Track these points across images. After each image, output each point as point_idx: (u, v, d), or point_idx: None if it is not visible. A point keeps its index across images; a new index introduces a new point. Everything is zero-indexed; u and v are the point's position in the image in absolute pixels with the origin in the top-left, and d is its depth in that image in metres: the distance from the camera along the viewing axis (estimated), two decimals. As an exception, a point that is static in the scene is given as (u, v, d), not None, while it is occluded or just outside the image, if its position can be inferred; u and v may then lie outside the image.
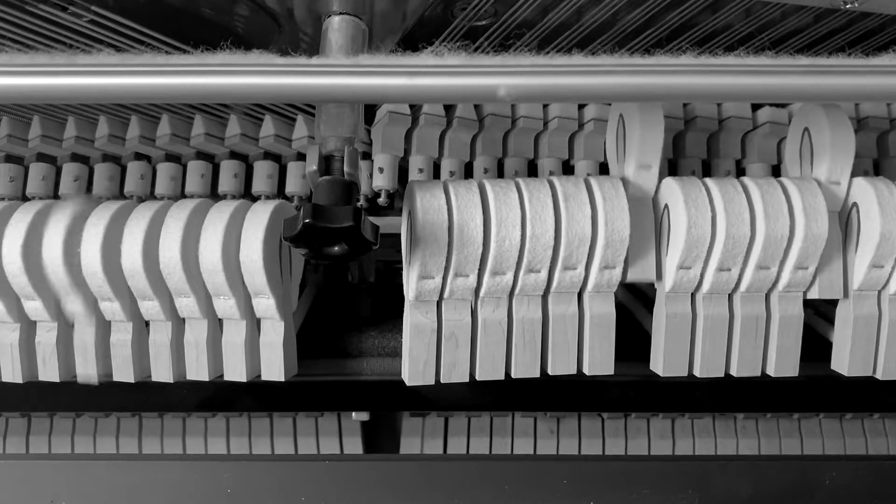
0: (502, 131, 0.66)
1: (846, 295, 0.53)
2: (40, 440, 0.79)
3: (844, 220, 0.53)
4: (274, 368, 0.53)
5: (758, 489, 0.55)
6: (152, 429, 0.79)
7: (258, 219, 0.50)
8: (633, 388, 0.61)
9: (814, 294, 0.53)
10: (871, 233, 0.51)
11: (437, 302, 0.52)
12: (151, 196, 0.67)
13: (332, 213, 0.43)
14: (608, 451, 0.79)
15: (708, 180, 0.52)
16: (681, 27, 0.60)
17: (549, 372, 0.53)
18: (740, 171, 0.68)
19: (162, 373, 0.54)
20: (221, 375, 0.54)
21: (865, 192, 0.51)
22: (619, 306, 0.54)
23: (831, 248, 0.52)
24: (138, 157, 0.68)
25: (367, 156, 0.65)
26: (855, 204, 0.53)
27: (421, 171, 0.65)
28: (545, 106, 0.66)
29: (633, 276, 0.53)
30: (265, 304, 0.52)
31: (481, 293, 0.51)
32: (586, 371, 0.53)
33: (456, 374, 0.52)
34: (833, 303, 0.55)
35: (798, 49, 0.62)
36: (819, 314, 0.61)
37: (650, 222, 0.53)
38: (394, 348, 0.61)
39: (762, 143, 0.66)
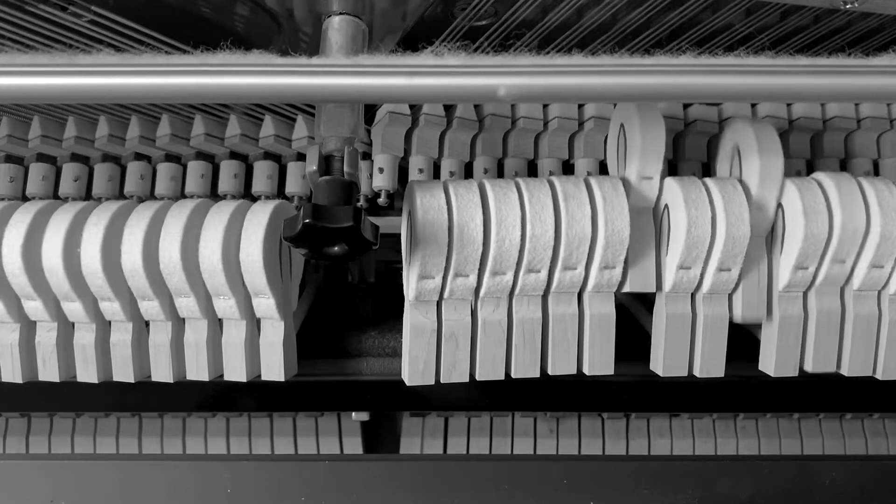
0: (502, 131, 0.66)
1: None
2: (40, 440, 0.79)
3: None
4: (274, 368, 0.54)
5: (758, 489, 0.55)
6: (152, 429, 0.79)
7: (258, 219, 0.50)
8: (633, 388, 0.61)
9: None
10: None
11: (437, 302, 0.52)
12: (151, 196, 0.67)
13: (332, 213, 0.43)
14: (608, 451, 0.79)
15: (708, 180, 0.52)
16: (681, 27, 0.60)
17: (549, 372, 0.53)
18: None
19: (162, 373, 0.53)
20: (221, 375, 0.54)
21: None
22: (619, 306, 0.54)
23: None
24: (138, 157, 0.68)
25: (367, 156, 0.65)
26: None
27: (421, 171, 0.65)
28: (545, 106, 0.66)
29: (632, 286, 0.52)
30: (265, 304, 0.52)
31: (481, 293, 0.51)
32: (586, 371, 0.53)
33: (456, 374, 0.52)
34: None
35: (798, 49, 0.62)
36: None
37: (651, 232, 0.53)
38: (394, 348, 0.61)
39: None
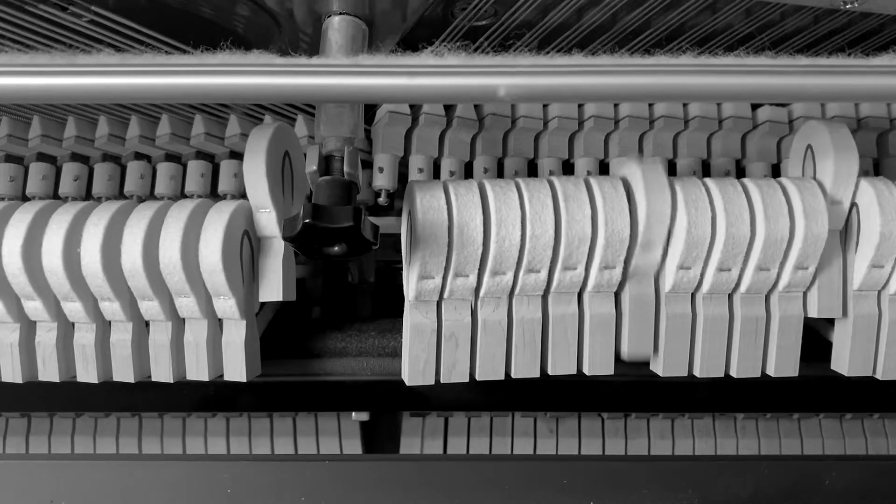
0: (502, 131, 0.66)
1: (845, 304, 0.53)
2: (40, 440, 0.79)
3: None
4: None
5: (758, 489, 0.55)
6: (152, 429, 0.79)
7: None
8: (633, 388, 0.61)
9: (812, 313, 0.53)
10: (872, 233, 0.51)
11: (437, 302, 0.52)
12: (151, 196, 0.67)
13: (332, 213, 0.43)
14: (608, 451, 0.79)
15: (708, 180, 0.52)
16: (681, 27, 0.60)
17: (549, 372, 0.53)
18: (740, 172, 0.68)
19: (162, 373, 0.53)
20: (221, 375, 0.54)
21: (865, 192, 0.51)
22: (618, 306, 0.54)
23: (833, 270, 0.53)
24: (138, 156, 0.68)
25: (368, 164, 0.65)
26: (855, 204, 0.53)
27: (421, 171, 0.65)
28: (545, 106, 0.66)
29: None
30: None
31: (481, 293, 0.51)
32: (586, 371, 0.53)
33: (456, 374, 0.52)
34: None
35: (798, 49, 0.62)
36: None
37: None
38: (394, 348, 0.61)
39: (762, 142, 0.66)
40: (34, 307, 0.52)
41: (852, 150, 0.52)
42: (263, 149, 0.51)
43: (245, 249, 0.52)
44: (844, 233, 0.53)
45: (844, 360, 0.54)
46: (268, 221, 0.52)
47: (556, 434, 0.80)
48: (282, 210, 0.53)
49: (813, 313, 0.53)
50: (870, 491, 0.56)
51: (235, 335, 0.53)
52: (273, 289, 0.53)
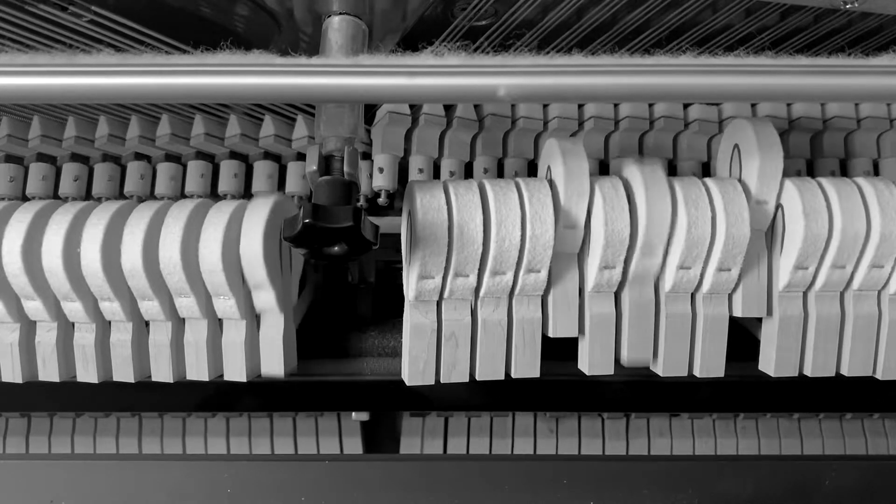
0: (502, 131, 0.66)
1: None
2: (40, 440, 0.79)
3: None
4: (274, 363, 0.54)
5: (758, 489, 0.55)
6: (152, 429, 0.79)
7: (259, 212, 0.50)
8: (633, 388, 0.61)
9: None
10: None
11: (437, 302, 0.52)
12: (151, 196, 0.67)
13: (332, 213, 0.43)
14: (608, 451, 0.79)
15: (708, 180, 0.52)
16: (681, 27, 0.60)
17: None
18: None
19: (162, 373, 0.54)
20: (221, 375, 0.54)
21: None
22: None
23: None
24: (138, 157, 0.68)
25: (367, 156, 0.65)
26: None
27: (421, 171, 0.65)
28: (545, 106, 0.66)
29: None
30: (265, 298, 0.52)
31: (481, 293, 0.51)
32: (586, 371, 0.53)
33: (456, 374, 0.52)
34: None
35: (798, 49, 0.62)
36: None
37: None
38: (394, 348, 0.61)
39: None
40: (34, 307, 0.52)
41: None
42: (261, 229, 0.50)
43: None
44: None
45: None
46: (266, 300, 0.52)
47: (556, 434, 0.80)
48: (280, 288, 0.53)
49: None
50: (870, 491, 0.56)
51: (235, 335, 0.53)
52: (275, 363, 0.54)
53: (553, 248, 0.49)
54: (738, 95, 0.45)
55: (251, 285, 0.51)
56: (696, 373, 0.54)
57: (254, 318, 0.54)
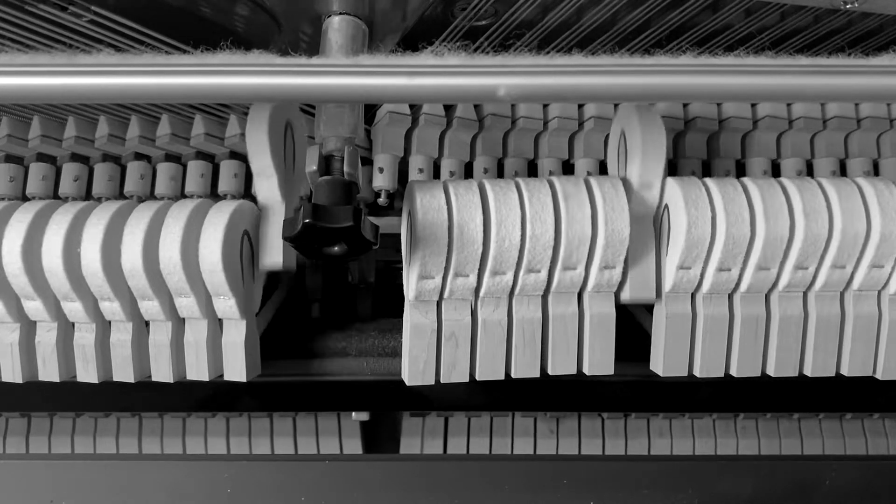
0: (502, 131, 0.66)
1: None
2: (40, 440, 0.79)
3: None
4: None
5: (758, 489, 0.55)
6: (152, 429, 0.79)
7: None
8: (633, 388, 0.61)
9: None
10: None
11: (437, 302, 0.52)
12: (151, 196, 0.67)
13: (332, 213, 0.43)
14: (608, 451, 0.79)
15: (708, 180, 0.52)
16: (681, 27, 0.60)
17: (549, 372, 0.53)
18: (740, 171, 0.68)
19: (162, 373, 0.53)
20: (221, 375, 0.54)
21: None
22: (619, 306, 0.54)
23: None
24: (138, 157, 0.68)
25: (366, 161, 0.65)
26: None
27: (421, 171, 0.65)
28: (545, 106, 0.66)
29: (632, 294, 0.52)
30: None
31: (481, 293, 0.51)
32: (586, 371, 0.53)
33: (456, 374, 0.52)
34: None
35: (798, 49, 0.62)
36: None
37: (651, 239, 0.52)
38: (394, 348, 0.61)
39: (762, 139, 0.67)
40: (34, 307, 0.52)
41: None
42: (266, 115, 0.51)
43: (245, 249, 0.52)
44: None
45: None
46: (269, 188, 0.52)
47: (556, 434, 0.80)
48: (283, 177, 0.53)
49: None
50: (870, 491, 0.56)
51: (235, 335, 0.53)
52: (274, 254, 0.53)
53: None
54: (738, 95, 0.45)
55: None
56: (696, 373, 0.54)
57: (254, 318, 0.54)
